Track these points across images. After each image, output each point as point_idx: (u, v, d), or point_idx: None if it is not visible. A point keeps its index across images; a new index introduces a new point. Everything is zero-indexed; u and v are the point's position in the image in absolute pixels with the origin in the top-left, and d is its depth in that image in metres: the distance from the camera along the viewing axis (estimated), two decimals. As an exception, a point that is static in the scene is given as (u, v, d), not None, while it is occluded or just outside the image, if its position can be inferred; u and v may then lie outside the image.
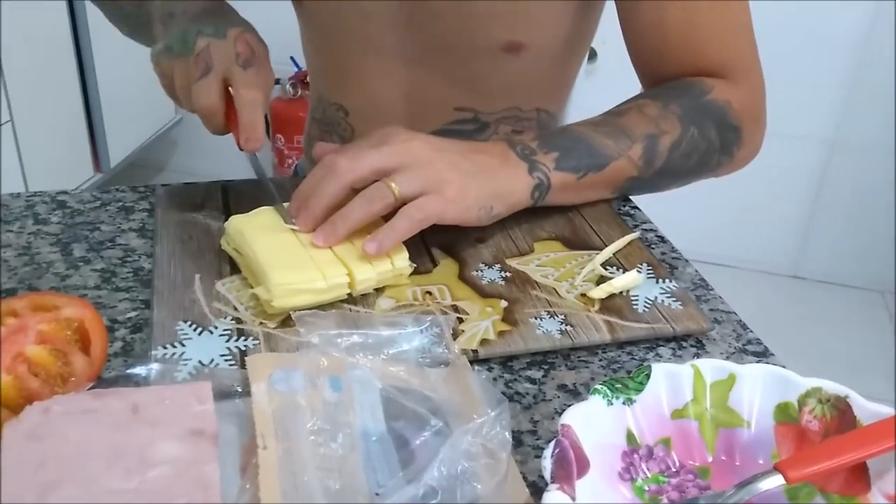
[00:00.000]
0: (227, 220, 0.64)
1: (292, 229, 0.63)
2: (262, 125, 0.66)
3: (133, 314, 0.59)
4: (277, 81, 2.44)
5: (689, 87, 0.76)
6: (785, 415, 0.50)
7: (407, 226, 0.61)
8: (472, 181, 0.64)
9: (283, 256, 0.60)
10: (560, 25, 0.82)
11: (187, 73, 0.67)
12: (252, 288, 0.60)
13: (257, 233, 0.62)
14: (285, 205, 0.65)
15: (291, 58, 2.40)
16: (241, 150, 0.67)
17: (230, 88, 0.67)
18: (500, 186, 0.66)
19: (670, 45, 0.77)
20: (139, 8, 0.80)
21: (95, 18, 2.02)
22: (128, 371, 0.51)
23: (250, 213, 0.65)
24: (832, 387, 0.49)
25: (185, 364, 0.53)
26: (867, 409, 0.48)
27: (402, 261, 0.62)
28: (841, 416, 0.49)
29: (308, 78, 1.00)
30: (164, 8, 0.75)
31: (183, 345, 0.55)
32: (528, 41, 0.81)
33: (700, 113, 0.75)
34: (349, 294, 0.61)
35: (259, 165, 0.71)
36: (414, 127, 0.67)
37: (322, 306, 0.59)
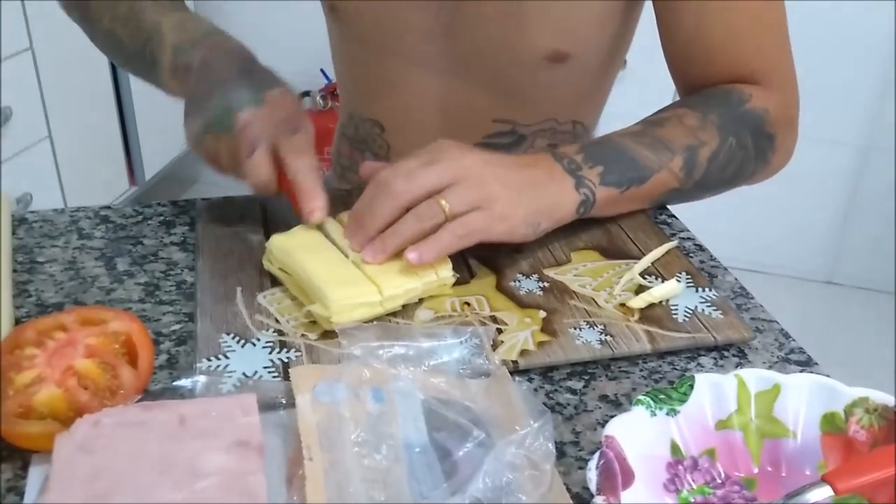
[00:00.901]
0: (266, 234, 0.65)
1: (336, 245, 0.63)
2: (320, 192, 0.65)
3: (177, 327, 0.60)
4: (308, 93, 2.47)
5: (727, 95, 0.76)
6: (831, 425, 0.49)
7: (449, 240, 0.61)
8: (521, 197, 0.64)
9: (335, 272, 0.61)
10: (603, 34, 0.81)
11: (233, 151, 0.65)
12: (298, 305, 0.61)
13: (303, 250, 0.62)
14: (331, 220, 0.66)
15: (322, 70, 2.42)
16: (305, 221, 0.66)
17: (279, 154, 0.66)
18: (548, 202, 0.66)
19: (711, 52, 0.77)
20: (141, 48, 0.75)
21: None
22: (174, 383, 0.52)
23: (290, 231, 0.65)
24: (879, 396, 0.49)
25: (230, 376, 0.54)
26: (916, 418, 0.47)
27: (446, 270, 0.63)
28: (889, 425, 0.48)
29: (338, 92, 0.99)
30: (178, 59, 0.70)
31: (227, 357, 0.56)
32: (572, 50, 0.80)
33: (738, 122, 0.74)
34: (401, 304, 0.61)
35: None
36: (451, 140, 0.67)
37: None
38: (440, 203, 0.61)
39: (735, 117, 0.74)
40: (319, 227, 0.65)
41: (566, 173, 0.68)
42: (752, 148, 0.75)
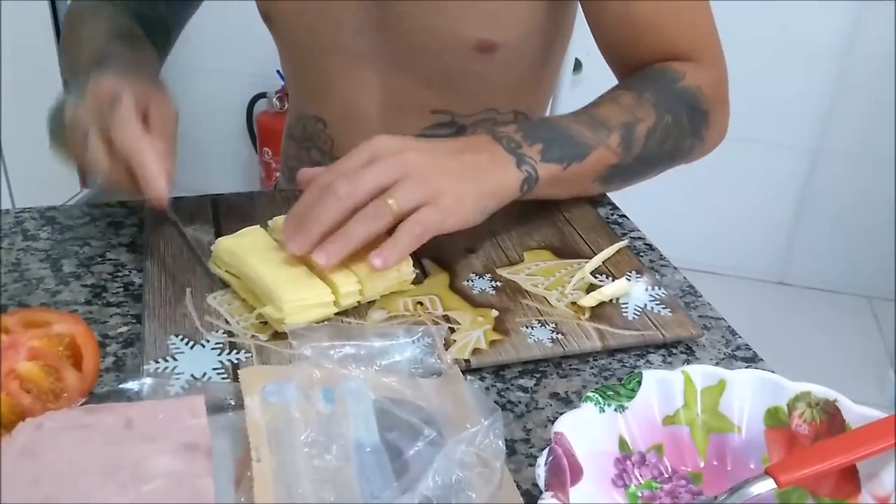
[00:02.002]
0: (217, 234, 0.64)
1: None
2: (154, 172, 0.61)
3: (124, 329, 0.59)
4: (264, 95, 2.45)
5: (661, 73, 0.78)
6: (775, 419, 0.50)
7: (409, 241, 0.61)
8: (466, 185, 0.64)
9: (286, 273, 0.60)
10: (532, 23, 0.82)
11: (76, 151, 0.63)
12: (249, 306, 0.60)
13: (252, 253, 0.62)
14: (274, 222, 0.65)
15: (278, 71, 2.40)
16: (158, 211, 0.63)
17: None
18: (492, 184, 0.66)
19: (639, 32, 0.78)
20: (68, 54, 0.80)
21: (81, 34, 2.02)
22: (120, 386, 0.51)
23: (237, 233, 0.65)
24: (821, 391, 0.50)
25: (178, 378, 0.53)
26: (856, 412, 0.49)
27: (407, 267, 0.63)
28: (830, 419, 0.49)
29: (288, 94, 1.00)
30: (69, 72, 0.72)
31: (175, 359, 0.55)
32: (500, 40, 0.81)
33: (673, 99, 0.76)
34: (357, 302, 0.61)
35: (180, 229, 0.65)
36: (391, 132, 0.66)
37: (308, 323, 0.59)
38: (387, 202, 0.61)
39: (670, 94, 0.76)
40: (266, 229, 0.65)
41: (507, 153, 0.68)
42: (688, 124, 0.77)
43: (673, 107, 0.75)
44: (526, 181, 0.68)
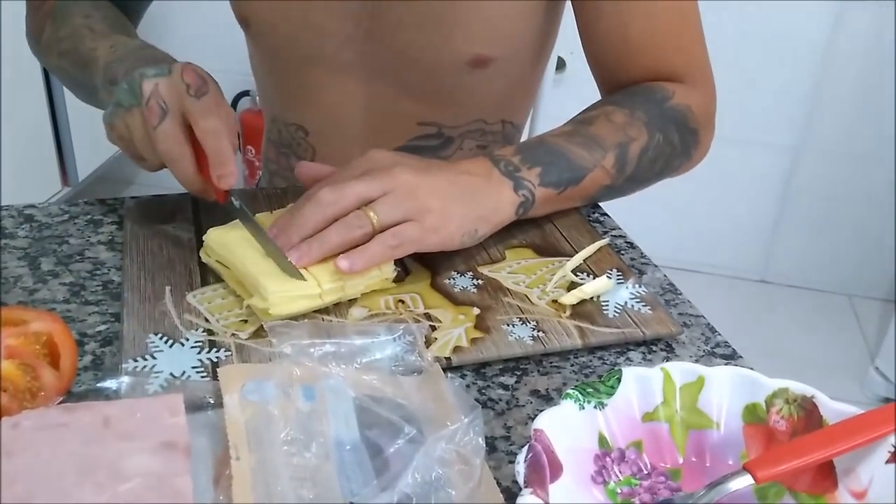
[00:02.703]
0: (197, 231, 0.64)
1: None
2: (230, 156, 0.61)
3: (103, 328, 0.59)
4: (247, 93, 2.44)
5: (651, 92, 0.78)
6: (753, 416, 0.50)
7: (381, 251, 0.61)
8: (455, 207, 0.64)
9: (273, 265, 0.60)
10: (526, 36, 0.82)
11: (143, 123, 0.62)
12: (229, 304, 0.60)
13: (241, 243, 0.62)
14: (264, 214, 0.65)
15: (261, 69, 2.40)
16: (221, 201, 0.63)
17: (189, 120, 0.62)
18: (485, 208, 0.66)
19: (630, 51, 0.78)
20: (82, 76, 0.76)
21: (61, 31, 2.00)
22: (98, 385, 0.51)
23: (227, 225, 0.65)
24: (798, 387, 0.50)
25: (157, 377, 0.53)
26: (833, 408, 0.49)
27: (388, 265, 0.63)
28: (808, 415, 0.49)
29: (258, 99, 0.97)
30: (107, 75, 0.70)
31: (154, 357, 0.55)
32: (495, 54, 0.80)
33: (664, 119, 0.76)
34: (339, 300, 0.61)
35: (244, 213, 0.64)
36: (376, 143, 0.67)
37: (294, 316, 0.59)
38: (368, 214, 0.61)
39: (660, 114, 0.76)
40: (249, 228, 0.64)
41: (504, 176, 0.68)
42: (679, 143, 0.77)
43: (663, 126, 0.76)
44: (522, 205, 0.69)
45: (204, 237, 0.64)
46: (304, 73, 0.85)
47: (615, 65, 0.80)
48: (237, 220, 0.65)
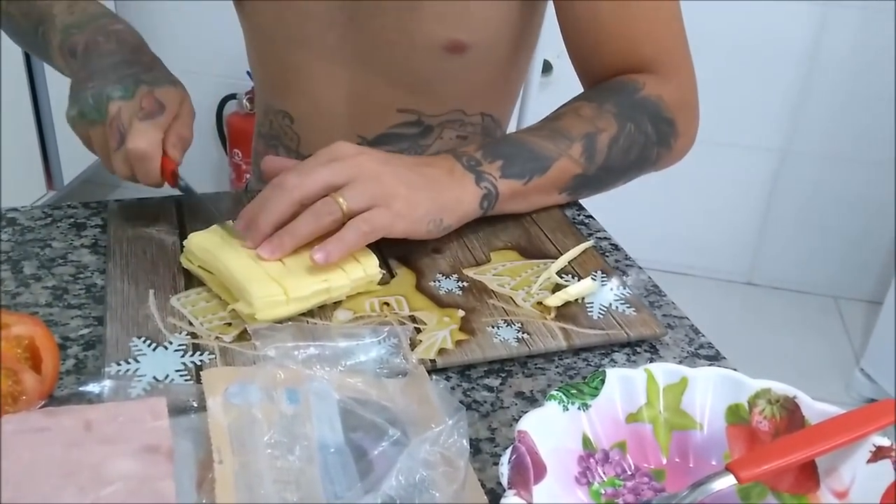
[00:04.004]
0: (181, 235, 0.64)
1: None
2: (152, 173, 0.66)
3: (86, 331, 0.58)
4: (234, 96, 2.44)
5: (621, 86, 0.78)
6: (736, 416, 0.51)
7: (354, 238, 0.61)
8: (420, 194, 0.65)
9: (258, 269, 0.60)
10: (504, 25, 0.83)
11: (104, 140, 0.68)
12: (213, 307, 0.60)
13: (223, 248, 0.62)
14: (230, 222, 0.65)
15: (248, 72, 2.39)
16: (172, 185, 0.68)
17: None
18: (448, 199, 0.67)
19: (604, 38, 0.79)
20: (34, 30, 0.79)
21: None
22: (80, 388, 0.51)
23: (208, 229, 0.65)
24: (781, 388, 0.50)
25: (140, 380, 0.53)
26: (815, 408, 0.49)
27: (373, 267, 0.63)
28: (790, 416, 0.50)
29: (254, 88, 0.99)
30: (65, 41, 0.73)
31: (137, 361, 0.54)
32: (471, 41, 0.81)
33: (634, 109, 0.76)
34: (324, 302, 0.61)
35: (190, 190, 0.69)
36: (358, 130, 0.68)
37: (280, 320, 0.59)
38: (337, 200, 0.62)
39: (631, 104, 0.76)
40: (226, 228, 0.64)
41: (466, 170, 0.69)
42: (654, 133, 0.77)
43: (634, 115, 0.76)
44: (486, 198, 0.69)
45: (185, 242, 0.64)
46: (290, 55, 0.86)
47: (590, 55, 0.81)
48: (217, 225, 0.65)
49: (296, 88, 0.88)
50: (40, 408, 0.48)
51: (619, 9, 0.77)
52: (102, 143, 0.68)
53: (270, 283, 0.59)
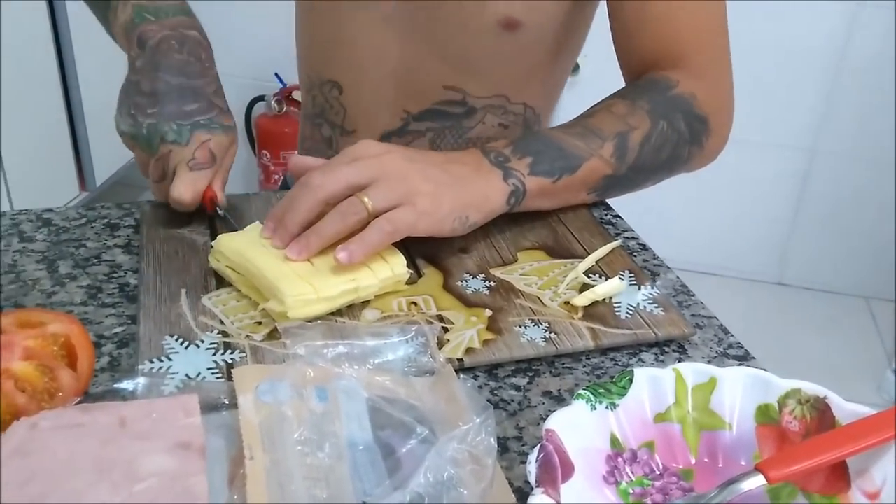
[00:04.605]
0: (212, 235, 0.65)
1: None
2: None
3: (119, 329, 0.59)
4: (262, 98, 2.46)
5: (654, 83, 0.78)
6: (766, 416, 0.50)
7: (378, 237, 0.62)
8: (445, 192, 0.65)
9: (289, 268, 0.61)
10: (557, 7, 0.82)
11: (146, 169, 0.72)
12: (243, 307, 0.61)
13: (253, 249, 0.62)
14: (259, 223, 0.66)
15: (276, 74, 2.41)
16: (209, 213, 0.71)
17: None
18: (474, 195, 0.67)
19: (649, 22, 0.79)
20: (106, 6, 0.79)
21: (79, 37, 2.02)
22: (115, 386, 0.52)
23: (237, 231, 0.66)
24: (811, 388, 0.50)
25: (172, 378, 0.53)
26: (846, 409, 0.49)
27: (401, 267, 0.63)
28: (820, 416, 0.49)
29: (299, 65, 0.98)
30: (136, 22, 0.72)
31: (170, 359, 0.55)
32: (525, 19, 0.81)
33: (668, 107, 0.76)
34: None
35: (228, 220, 0.71)
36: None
37: (310, 318, 0.60)
38: (362, 199, 0.62)
39: (664, 102, 0.76)
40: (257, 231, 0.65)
41: (493, 166, 0.69)
42: (686, 131, 0.77)
43: (668, 113, 0.76)
44: (513, 194, 0.69)
45: (213, 243, 0.65)
46: (342, 20, 0.86)
47: (634, 39, 0.80)
48: (248, 227, 0.66)
49: (346, 57, 0.88)
50: (76, 404, 0.49)
51: (665, 5, 0.77)
52: (145, 165, 0.72)
53: (300, 282, 0.59)
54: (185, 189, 0.68)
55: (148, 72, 0.70)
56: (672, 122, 0.76)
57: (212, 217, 0.72)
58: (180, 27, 0.72)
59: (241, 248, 0.63)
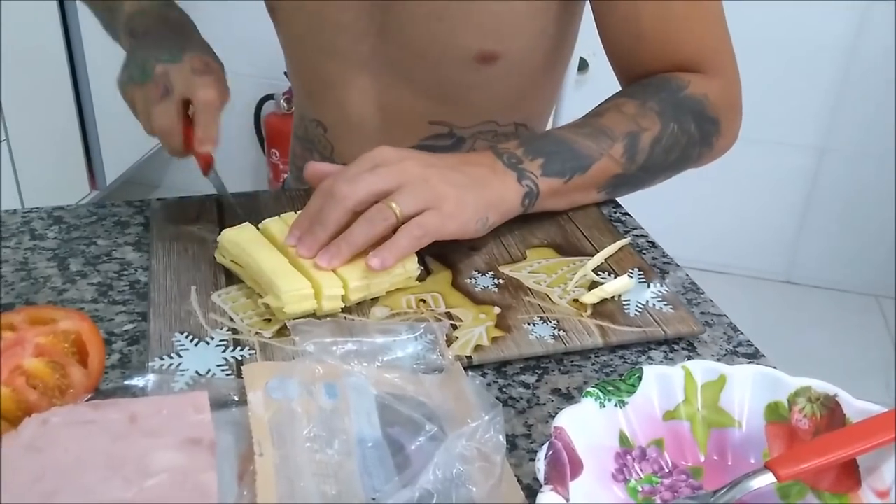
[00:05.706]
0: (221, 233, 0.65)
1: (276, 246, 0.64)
2: (216, 127, 0.70)
3: (130, 326, 0.60)
4: (271, 97, 2.46)
5: (665, 83, 0.77)
6: (775, 414, 0.50)
7: (408, 242, 0.62)
8: (468, 194, 0.65)
9: (287, 264, 0.61)
10: (535, 35, 0.82)
11: (147, 98, 0.71)
12: (253, 303, 0.61)
13: (254, 244, 0.63)
14: (267, 221, 0.66)
15: (285, 73, 2.41)
16: (205, 174, 0.72)
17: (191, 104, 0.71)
18: (493, 196, 0.67)
19: (645, 39, 0.78)
20: (107, 16, 0.87)
21: (90, 38, 2.03)
22: (125, 382, 0.52)
23: (241, 226, 0.66)
24: (821, 385, 0.50)
25: (182, 374, 0.54)
26: (856, 407, 0.49)
27: (412, 263, 0.64)
28: (830, 414, 0.49)
29: (292, 92, 1.01)
30: (130, 25, 0.80)
31: (180, 356, 0.55)
32: (502, 50, 0.80)
33: (678, 108, 0.76)
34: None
35: (222, 187, 0.73)
36: (389, 143, 0.68)
37: (317, 315, 0.60)
38: (390, 205, 0.62)
39: (675, 103, 0.76)
40: (263, 229, 0.65)
41: (507, 168, 0.69)
42: (697, 132, 0.76)
43: (678, 115, 0.75)
44: (527, 195, 0.69)
45: (217, 238, 0.65)
46: (322, 64, 0.87)
47: (630, 55, 0.80)
48: (240, 225, 0.66)
49: (328, 99, 0.89)
50: (87, 401, 0.49)
51: (660, 9, 0.76)
52: (144, 103, 0.72)
53: (297, 277, 0.60)
54: (206, 90, 0.70)
55: (139, 48, 0.76)
56: (682, 124, 0.75)
57: (221, 213, 0.72)
58: (161, 12, 0.82)
59: (243, 242, 0.63)
